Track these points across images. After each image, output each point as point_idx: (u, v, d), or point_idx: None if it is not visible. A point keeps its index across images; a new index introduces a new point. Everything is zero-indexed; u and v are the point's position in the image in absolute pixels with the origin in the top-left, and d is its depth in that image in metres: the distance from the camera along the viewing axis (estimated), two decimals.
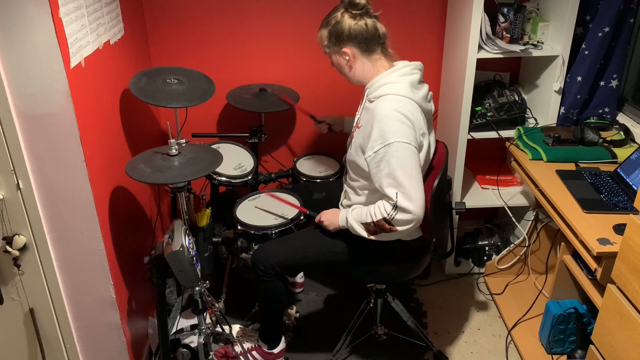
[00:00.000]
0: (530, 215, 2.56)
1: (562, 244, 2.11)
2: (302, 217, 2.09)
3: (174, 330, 2.19)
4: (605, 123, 2.41)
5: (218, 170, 2.26)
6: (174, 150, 1.82)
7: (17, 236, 1.61)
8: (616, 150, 2.23)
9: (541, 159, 2.23)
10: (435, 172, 1.87)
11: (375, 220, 1.71)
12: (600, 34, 2.23)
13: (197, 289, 1.88)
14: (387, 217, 1.68)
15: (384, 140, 1.66)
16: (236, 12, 2.53)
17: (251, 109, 2.45)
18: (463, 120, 2.39)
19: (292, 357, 2.24)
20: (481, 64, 2.31)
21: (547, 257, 2.52)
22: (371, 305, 2.19)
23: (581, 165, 2.19)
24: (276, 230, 2.04)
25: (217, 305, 2.04)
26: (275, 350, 2.13)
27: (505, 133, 2.47)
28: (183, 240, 1.71)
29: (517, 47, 2.32)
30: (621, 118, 2.44)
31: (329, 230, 1.91)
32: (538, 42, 2.39)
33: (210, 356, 2.08)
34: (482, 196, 2.65)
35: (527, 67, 2.64)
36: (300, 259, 1.96)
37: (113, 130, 1.97)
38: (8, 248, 1.60)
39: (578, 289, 2.19)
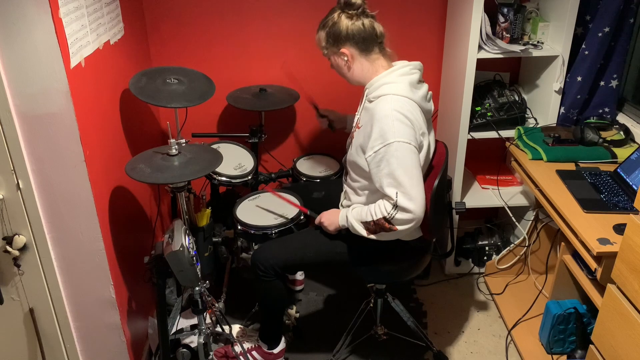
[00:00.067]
0: (530, 215, 2.56)
1: (562, 244, 2.11)
2: (302, 217, 2.09)
3: (174, 330, 2.19)
4: (605, 123, 2.41)
5: (218, 170, 2.26)
6: (174, 150, 1.82)
7: (17, 236, 1.61)
8: (616, 150, 2.23)
9: (541, 159, 2.23)
10: (435, 172, 1.87)
11: (375, 219, 1.72)
12: (600, 34, 2.23)
13: (197, 289, 1.88)
14: (388, 217, 1.68)
15: (384, 140, 1.66)
16: (236, 12, 2.53)
17: (251, 109, 2.45)
18: (463, 120, 2.39)
19: (292, 357, 2.24)
20: (481, 64, 2.31)
21: (547, 257, 2.52)
22: (371, 305, 2.19)
23: (581, 165, 2.19)
24: (276, 230, 2.04)
25: (217, 305, 2.04)
26: (275, 351, 2.13)
27: (505, 133, 2.47)
28: (183, 240, 1.71)
29: (517, 47, 2.32)
30: (621, 118, 2.44)
31: (329, 232, 1.91)
32: (538, 42, 2.39)
33: (210, 356, 2.08)
34: (482, 196, 2.65)
35: (527, 67, 2.64)
36: (300, 259, 1.96)
37: (113, 130, 1.97)
38: (8, 248, 1.60)
39: (578, 289, 2.19)
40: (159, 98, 1.94)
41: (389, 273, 1.97)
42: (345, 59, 1.79)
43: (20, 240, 1.62)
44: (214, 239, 2.16)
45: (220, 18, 2.53)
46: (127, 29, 2.17)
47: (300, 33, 2.58)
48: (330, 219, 1.90)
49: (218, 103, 2.64)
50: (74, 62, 1.57)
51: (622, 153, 2.19)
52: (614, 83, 2.36)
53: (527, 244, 2.59)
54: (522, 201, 2.60)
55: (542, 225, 2.50)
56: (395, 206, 1.66)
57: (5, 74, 1.46)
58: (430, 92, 1.84)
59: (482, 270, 2.75)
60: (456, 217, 2.57)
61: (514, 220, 2.61)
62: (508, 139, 2.45)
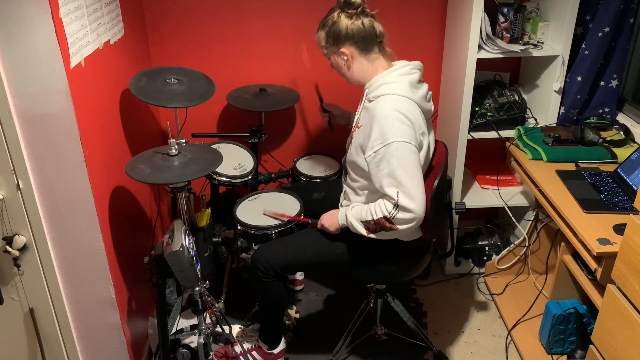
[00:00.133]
0: (530, 215, 2.56)
1: (562, 244, 2.11)
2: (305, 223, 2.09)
3: (174, 330, 2.19)
4: (605, 123, 2.41)
5: (218, 170, 2.26)
6: (174, 150, 1.82)
7: (17, 236, 1.61)
8: (616, 150, 2.23)
9: (541, 159, 2.23)
10: (435, 172, 1.87)
11: (375, 218, 1.71)
12: (600, 34, 2.23)
13: (197, 289, 1.88)
14: (388, 216, 1.68)
15: (384, 140, 1.66)
16: (236, 12, 2.53)
17: (251, 109, 2.45)
18: (463, 120, 2.39)
19: (292, 357, 2.24)
20: (481, 64, 2.31)
21: (547, 257, 2.52)
22: (371, 305, 2.19)
23: (581, 165, 2.19)
24: (276, 230, 2.04)
25: (217, 305, 2.04)
26: (275, 351, 2.13)
27: (505, 133, 2.47)
28: (183, 240, 1.71)
29: (517, 47, 2.32)
30: (621, 118, 2.44)
31: (331, 233, 1.91)
32: (538, 42, 2.39)
33: (210, 356, 2.08)
34: (482, 196, 2.65)
35: (527, 67, 2.64)
36: (300, 260, 1.96)
37: (113, 130, 1.97)
38: (8, 248, 1.60)
39: (578, 289, 2.19)
40: (159, 98, 1.94)
41: (389, 273, 1.97)
42: (345, 58, 1.79)
43: (20, 240, 1.62)
44: (214, 239, 2.16)
45: (220, 18, 2.53)
46: (127, 29, 2.17)
47: (300, 33, 2.57)
48: (330, 219, 1.90)
49: (218, 103, 2.64)
50: (74, 62, 1.57)
51: (622, 153, 2.19)
52: (614, 83, 2.36)
53: (527, 244, 2.59)
54: (522, 201, 2.60)
55: (542, 225, 2.50)
56: (396, 206, 1.66)
57: (5, 74, 1.46)
58: (430, 92, 1.84)
59: (482, 270, 2.75)
60: (456, 217, 2.57)
61: (514, 220, 2.61)
62: (508, 139, 2.45)
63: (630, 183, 1.96)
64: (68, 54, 1.52)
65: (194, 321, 2.20)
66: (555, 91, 2.40)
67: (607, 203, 1.90)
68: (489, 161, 2.80)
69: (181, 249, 1.69)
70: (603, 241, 1.70)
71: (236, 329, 2.29)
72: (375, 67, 1.80)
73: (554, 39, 2.38)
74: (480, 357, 2.28)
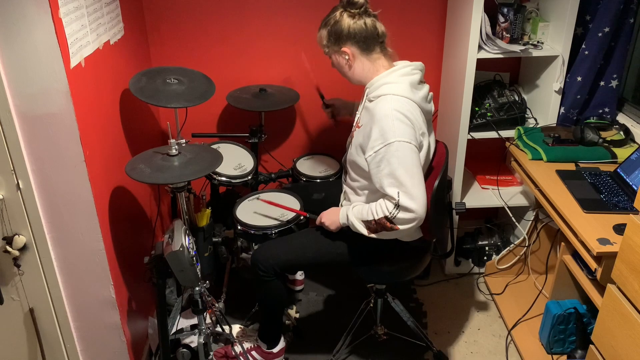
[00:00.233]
0: (530, 215, 2.56)
1: (562, 244, 2.11)
2: (302, 218, 2.09)
3: (174, 330, 2.19)
4: (605, 123, 2.41)
5: (218, 170, 2.26)
6: (174, 150, 1.82)
7: (17, 236, 1.61)
8: (616, 150, 2.23)
9: (541, 159, 2.23)
10: (435, 173, 1.87)
11: (376, 218, 1.71)
12: (600, 34, 2.23)
13: (197, 289, 1.88)
14: (389, 216, 1.68)
15: (384, 140, 1.66)
16: (236, 12, 2.53)
17: (251, 109, 2.45)
18: (463, 120, 2.39)
19: (292, 357, 2.24)
20: (481, 64, 2.31)
21: (547, 257, 2.52)
22: (371, 305, 2.19)
23: (581, 165, 2.19)
24: (276, 230, 2.04)
25: (217, 305, 2.04)
26: (275, 350, 2.13)
27: (505, 133, 2.47)
28: (183, 240, 1.71)
29: (517, 47, 2.32)
30: (621, 118, 2.44)
31: (331, 231, 1.91)
32: (538, 42, 2.39)
33: (210, 356, 2.08)
34: (482, 196, 2.65)
35: (527, 67, 2.64)
36: (301, 259, 1.96)
37: (113, 130, 1.97)
38: (8, 248, 1.60)
39: (578, 289, 2.19)
40: (159, 98, 1.94)
41: (389, 273, 1.97)
42: (347, 57, 1.79)
43: (20, 240, 1.62)
44: (214, 239, 2.16)
45: (220, 18, 2.53)
46: (127, 29, 2.17)
47: (301, 32, 2.58)
48: (330, 218, 1.90)
49: (218, 103, 2.64)
50: (74, 62, 1.57)
51: (622, 153, 2.19)
52: (614, 83, 2.36)
53: (527, 244, 2.59)
54: (522, 201, 2.60)
55: (542, 225, 2.50)
56: (397, 206, 1.66)
57: (5, 74, 1.46)
58: (431, 93, 1.84)
59: (482, 270, 2.75)
60: (456, 217, 2.57)
61: (514, 220, 2.61)
62: (508, 139, 2.45)
63: (630, 183, 1.96)
64: (68, 54, 1.52)
65: (194, 321, 2.20)
66: (555, 91, 2.40)
67: (607, 203, 1.90)
68: (489, 161, 2.80)
69: (181, 249, 1.69)
70: (603, 241, 1.70)
71: (236, 328, 2.29)
72: (377, 67, 1.80)
73: (554, 39, 2.38)
74: (480, 357, 2.28)
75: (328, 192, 2.22)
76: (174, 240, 1.71)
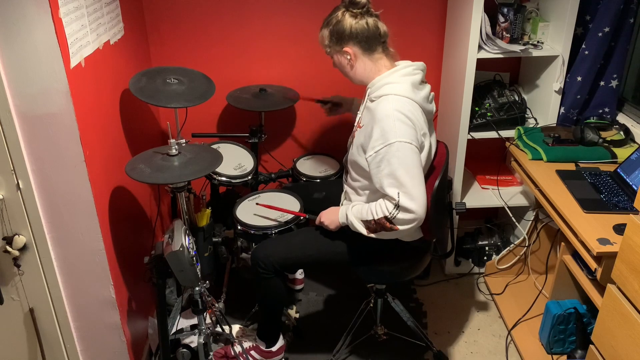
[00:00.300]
0: (530, 215, 2.56)
1: (562, 244, 2.11)
2: (301, 218, 2.09)
3: (174, 330, 2.19)
4: (605, 123, 2.41)
5: (218, 170, 2.26)
6: (174, 150, 1.82)
7: (17, 236, 1.61)
8: (616, 150, 2.23)
9: (541, 159, 2.23)
10: (436, 173, 1.87)
11: (376, 218, 1.71)
12: (600, 34, 2.23)
13: (197, 289, 1.88)
14: (389, 216, 1.68)
15: (385, 140, 1.66)
16: (236, 12, 2.53)
17: (251, 109, 2.45)
18: (463, 120, 2.39)
19: (292, 357, 2.24)
20: (481, 64, 2.31)
21: (547, 257, 2.52)
22: (371, 305, 2.19)
23: (581, 165, 2.19)
24: (276, 231, 2.04)
25: (217, 305, 2.04)
26: (274, 348, 2.13)
27: (505, 133, 2.47)
28: (183, 240, 1.71)
29: (517, 47, 2.32)
30: (621, 118, 2.44)
31: (330, 230, 1.91)
32: (538, 42, 2.39)
33: (210, 356, 2.08)
34: (482, 196, 2.65)
35: (527, 67, 2.64)
36: (301, 257, 1.96)
37: (113, 130, 1.97)
38: (8, 248, 1.60)
39: (578, 289, 2.19)
40: (159, 98, 1.94)
41: (389, 273, 1.97)
42: (348, 57, 1.79)
43: (20, 240, 1.62)
44: (214, 239, 2.16)
45: (220, 18, 2.53)
46: (127, 29, 2.17)
47: (301, 32, 2.57)
48: (330, 217, 1.90)
49: (218, 103, 2.64)
50: (74, 62, 1.57)
51: (622, 153, 2.19)
52: (614, 83, 2.36)
53: (527, 244, 2.59)
54: (522, 201, 2.60)
55: (542, 225, 2.50)
56: (397, 206, 1.66)
57: (5, 74, 1.46)
58: (432, 93, 1.84)
59: (482, 270, 2.75)
60: (456, 217, 2.57)
61: (514, 220, 2.61)
62: (508, 139, 2.45)
63: (630, 183, 1.96)
64: (68, 54, 1.52)
65: (194, 321, 2.20)
66: (555, 91, 2.40)
67: (607, 203, 1.90)
68: (489, 161, 2.80)
69: (181, 249, 1.69)
70: (603, 241, 1.70)
71: (236, 328, 2.29)
72: (378, 67, 1.79)
73: (554, 39, 2.38)
74: (480, 357, 2.28)
75: (328, 192, 2.22)
76: (174, 240, 1.71)
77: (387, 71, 1.78)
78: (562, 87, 2.39)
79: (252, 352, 2.13)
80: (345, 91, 2.45)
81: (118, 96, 2.03)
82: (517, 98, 2.49)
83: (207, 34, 2.56)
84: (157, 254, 1.77)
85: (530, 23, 2.42)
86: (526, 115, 2.51)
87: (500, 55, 2.31)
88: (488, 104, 2.45)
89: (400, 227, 1.69)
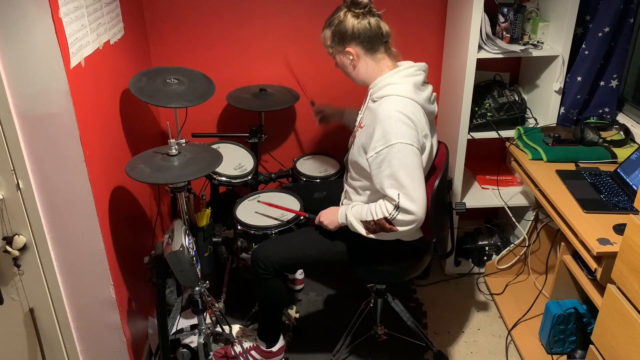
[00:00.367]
0: (530, 215, 2.56)
1: (562, 244, 2.11)
2: (301, 218, 2.09)
3: (174, 330, 2.19)
4: (605, 123, 2.41)
5: (218, 170, 2.26)
6: (174, 150, 1.82)
7: (17, 236, 1.61)
8: (616, 150, 2.23)
9: (541, 159, 2.23)
10: (436, 173, 1.87)
11: (376, 219, 1.71)
12: (600, 34, 2.23)
13: (197, 289, 1.89)
14: (389, 217, 1.68)
15: (386, 141, 1.66)
16: (236, 12, 2.53)
17: (251, 109, 2.45)
18: (463, 120, 2.39)
19: (292, 357, 2.24)
20: (481, 64, 2.31)
21: (547, 257, 2.52)
22: (371, 305, 2.19)
23: (581, 165, 2.19)
24: (276, 230, 2.04)
25: (217, 305, 2.04)
26: (274, 349, 2.13)
27: (505, 133, 2.47)
28: (183, 240, 1.71)
29: (517, 47, 2.32)
30: (621, 118, 2.44)
31: (329, 230, 1.91)
32: (538, 42, 2.39)
33: (210, 356, 2.08)
34: (482, 196, 2.65)
35: (527, 67, 2.64)
36: (300, 257, 1.96)
37: (113, 130, 1.97)
38: (8, 248, 1.60)
39: (578, 289, 2.19)
40: (159, 98, 1.94)
41: (389, 273, 1.97)
42: (351, 58, 1.79)
43: (20, 240, 1.62)
44: (214, 239, 2.16)
45: (220, 18, 2.53)
46: (127, 29, 2.17)
47: (301, 32, 2.57)
48: (329, 217, 1.90)
49: (218, 103, 2.64)
50: (74, 62, 1.57)
51: (622, 153, 2.19)
52: (614, 83, 2.36)
53: (527, 244, 2.59)
54: (522, 201, 2.60)
55: (542, 225, 2.50)
56: (397, 207, 1.66)
57: (5, 74, 1.46)
58: (434, 94, 1.84)
59: (482, 270, 2.75)
60: (456, 217, 2.57)
61: (514, 220, 2.61)
62: (508, 139, 2.45)
63: (630, 183, 1.96)
64: (68, 54, 1.52)
65: (194, 321, 2.20)
66: (555, 91, 2.40)
67: (607, 203, 1.90)
68: (489, 161, 2.80)
69: (181, 249, 1.69)
70: (603, 241, 1.70)
71: (236, 328, 2.29)
72: (381, 67, 1.79)
73: (554, 39, 2.38)
74: (480, 357, 2.28)
75: (329, 191, 2.22)
76: (174, 240, 1.71)
77: (389, 71, 1.78)
78: (562, 87, 2.39)
79: (253, 352, 2.13)
80: (345, 91, 2.46)
81: (118, 96, 2.03)
82: (517, 98, 2.49)
83: (207, 34, 2.56)
84: (157, 254, 1.77)
85: (530, 23, 2.42)
86: (526, 115, 2.51)
87: (500, 55, 2.31)
88: (488, 104, 2.45)
89: (400, 228, 1.69)
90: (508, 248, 2.64)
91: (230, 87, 2.54)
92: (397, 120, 1.65)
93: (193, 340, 2.17)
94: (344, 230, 1.88)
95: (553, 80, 2.39)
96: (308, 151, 2.80)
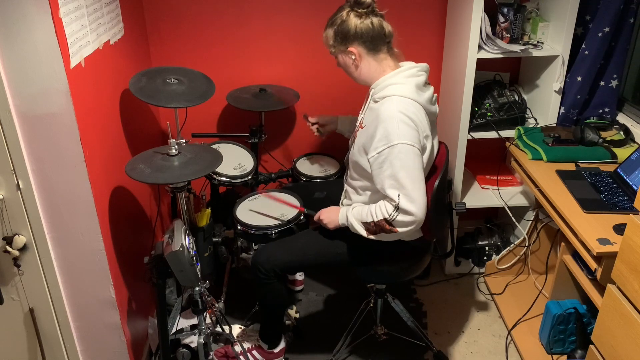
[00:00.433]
0: (530, 215, 2.56)
1: (562, 244, 2.11)
2: (302, 217, 2.09)
3: (174, 330, 2.19)
4: (605, 123, 2.41)
5: (218, 170, 2.26)
6: (174, 150, 1.82)
7: (17, 236, 1.61)
8: (616, 150, 2.23)
9: (541, 159, 2.23)
10: (436, 173, 1.87)
11: (376, 220, 1.71)
12: (600, 34, 2.23)
13: (197, 289, 1.88)
14: (389, 218, 1.68)
15: (387, 142, 1.65)
16: (236, 12, 2.53)
17: (251, 109, 2.45)
18: (463, 120, 2.39)
19: (292, 357, 2.24)
20: (481, 64, 2.31)
21: (547, 257, 2.52)
22: (371, 305, 2.19)
23: (581, 165, 2.19)
24: (276, 230, 2.04)
25: (217, 305, 2.04)
26: (276, 350, 2.13)
27: (505, 133, 2.47)
28: (183, 240, 1.71)
29: (517, 47, 2.32)
30: (621, 118, 2.44)
31: (329, 230, 1.91)
32: (538, 42, 2.39)
33: (210, 356, 2.08)
34: (482, 196, 2.65)
35: (527, 67, 2.64)
36: (301, 261, 1.96)
37: (113, 130, 1.97)
38: (8, 248, 1.60)
39: (578, 289, 2.19)
40: (159, 98, 1.94)
41: (388, 273, 1.97)
42: (353, 57, 1.78)
43: (20, 240, 1.62)
44: (214, 239, 2.16)
45: (220, 18, 2.53)
46: (127, 29, 2.17)
47: (301, 32, 2.57)
48: (330, 216, 1.90)
49: (218, 103, 2.64)
50: (74, 62, 1.57)
51: (622, 153, 2.19)
52: (614, 83, 2.36)
53: (527, 244, 2.59)
54: (522, 201, 2.60)
55: (542, 225, 2.50)
56: (397, 208, 1.66)
57: (5, 74, 1.46)
58: (435, 95, 1.84)
59: (482, 270, 2.75)
60: (456, 217, 2.56)
61: (514, 220, 2.61)
62: (508, 139, 2.45)
63: (630, 183, 1.96)
64: (68, 54, 1.52)
65: (194, 321, 2.20)
66: (555, 91, 2.40)
67: (607, 203, 1.90)
68: (489, 161, 2.80)
69: (181, 249, 1.69)
70: (603, 241, 1.70)
71: (236, 329, 2.29)
72: (383, 68, 1.79)
73: (554, 39, 2.38)
74: (480, 357, 2.28)
75: (329, 191, 2.22)
76: (174, 240, 1.71)
77: (391, 72, 1.77)
78: (562, 87, 2.39)
79: (254, 352, 2.13)
80: (345, 91, 2.46)
81: (118, 96, 2.03)
82: (517, 98, 2.49)
83: (207, 34, 2.56)
84: (157, 254, 1.77)
85: (530, 23, 2.42)
86: (526, 115, 2.51)
87: (500, 55, 2.31)
88: (488, 104, 2.45)
89: (400, 229, 1.69)
90: (508, 248, 2.64)
91: (230, 87, 2.54)
92: (399, 120, 1.65)
93: (193, 340, 2.17)
94: (344, 231, 1.88)
95: (553, 80, 2.39)
96: (308, 151, 2.80)
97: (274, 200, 2.14)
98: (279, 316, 2.12)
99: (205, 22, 2.54)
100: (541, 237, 2.54)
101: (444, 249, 2.64)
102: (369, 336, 2.26)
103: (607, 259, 1.68)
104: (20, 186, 1.57)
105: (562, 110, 2.43)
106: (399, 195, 1.65)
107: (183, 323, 2.26)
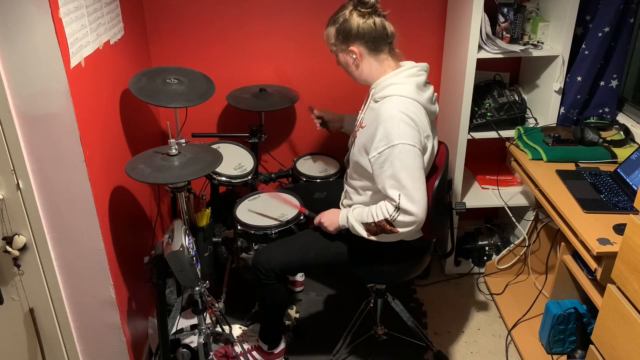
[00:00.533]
0: (530, 215, 2.56)
1: (562, 244, 2.11)
2: (301, 218, 2.09)
3: (174, 330, 2.19)
4: (605, 123, 2.41)
5: (218, 170, 2.26)
6: (174, 150, 1.82)
7: (17, 236, 1.61)
8: (616, 150, 2.23)
9: (541, 159, 2.23)
10: (436, 173, 1.87)
11: (376, 220, 1.71)
12: (600, 34, 2.23)
13: (197, 289, 1.88)
14: (389, 218, 1.68)
15: (388, 142, 1.65)
16: (236, 12, 2.53)
17: (251, 109, 2.45)
18: (463, 120, 2.39)
19: (292, 357, 2.24)
20: (481, 64, 2.31)
21: (547, 257, 2.52)
22: (371, 305, 2.19)
23: (581, 165, 2.19)
24: (276, 230, 2.04)
25: (217, 305, 2.04)
26: (276, 350, 2.13)
27: (505, 133, 2.47)
28: (183, 240, 1.71)
29: (517, 47, 2.32)
30: (621, 118, 2.44)
31: (329, 232, 1.91)
32: (538, 42, 2.39)
33: (210, 356, 2.08)
34: (482, 196, 2.65)
35: (527, 67, 2.64)
36: (301, 261, 1.96)
37: (113, 130, 1.97)
38: (8, 248, 1.60)
39: (578, 289, 2.19)
40: (159, 98, 1.94)
41: (389, 273, 1.97)
42: (354, 57, 1.78)
43: (20, 240, 1.62)
44: (214, 239, 2.16)
45: (220, 18, 2.53)
46: (127, 29, 2.17)
47: (301, 32, 2.57)
48: (330, 219, 1.90)
49: (218, 103, 2.64)
50: (74, 62, 1.57)
51: (622, 153, 2.19)
52: (614, 83, 2.36)
53: (527, 244, 2.59)
54: (522, 201, 2.60)
55: (542, 225, 2.50)
56: (398, 208, 1.66)
57: (5, 74, 1.46)
58: (435, 94, 1.84)
59: (482, 270, 2.75)
60: (456, 217, 2.57)
61: (514, 220, 2.61)
62: (508, 139, 2.45)
63: (630, 183, 1.96)
64: (68, 54, 1.52)
65: (194, 321, 2.20)
66: (555, 91, 2.40)
67: (607, 203, 1.90)
68: (489, 161, 2.80)
69: (181, 249, 1.69)
70: (603, 241, 1.70)
71: (236, 329, 2.29)
72: (384, 68, 1.78)
73: (554, 39, 2.38)
74: (480, 357, 2.28)
75: (329, 192, 2.22)
76: (174, 240, 1.71)
77: (392, 71, 1.77)
78: (562, 87, 2.39)
79: (254, 353, 2.13)
80: (345, 91, 2.46)
81: (118, 96, 2.03)
82: (517, 98, 2.49)
83: (207, 34, 2.56)
84: (157, 254, 1.77)
85: (530, 23, 2.42)
86: (526, 115, 2.51)
87: (500, 55, 2.31)
88: (488, 104, 2.45)
89: (400, 230, 1.68)
90: (508, 248, 2.64)
91: (230, 87, 2.54)
92: (400, 120, 1.65)
93: (193, 340, 2.17)
94: (344, 232, 1.88)
95: (553, 80, 2.39)
96: (308, 151, 2.80)
97: (275, 200, 2.14)
98: (279, 316, 2.11)
99: (205, 22, 2.54)
100: (541, 237, 2.54)
101: (444, 249, 2.64)
102: (369, 336, 2.26)
103: (607, 259, 1.68)
104: (20, 186, 1.57)
105: (562, 110, 2.43)
106: (399, 195, 1.65)
107: (183, 323, 2.26)
